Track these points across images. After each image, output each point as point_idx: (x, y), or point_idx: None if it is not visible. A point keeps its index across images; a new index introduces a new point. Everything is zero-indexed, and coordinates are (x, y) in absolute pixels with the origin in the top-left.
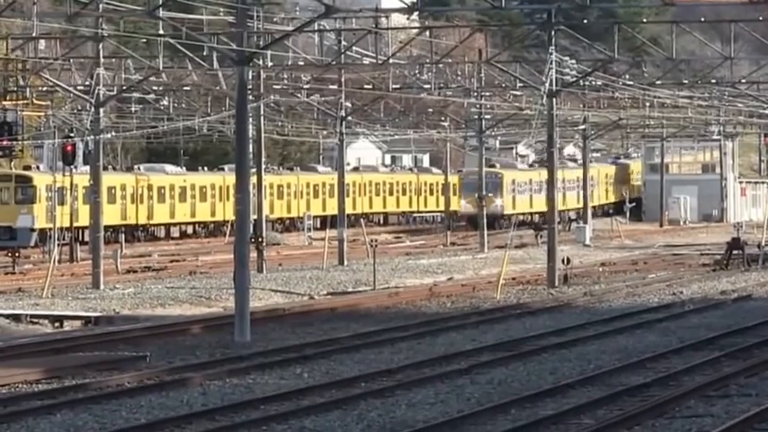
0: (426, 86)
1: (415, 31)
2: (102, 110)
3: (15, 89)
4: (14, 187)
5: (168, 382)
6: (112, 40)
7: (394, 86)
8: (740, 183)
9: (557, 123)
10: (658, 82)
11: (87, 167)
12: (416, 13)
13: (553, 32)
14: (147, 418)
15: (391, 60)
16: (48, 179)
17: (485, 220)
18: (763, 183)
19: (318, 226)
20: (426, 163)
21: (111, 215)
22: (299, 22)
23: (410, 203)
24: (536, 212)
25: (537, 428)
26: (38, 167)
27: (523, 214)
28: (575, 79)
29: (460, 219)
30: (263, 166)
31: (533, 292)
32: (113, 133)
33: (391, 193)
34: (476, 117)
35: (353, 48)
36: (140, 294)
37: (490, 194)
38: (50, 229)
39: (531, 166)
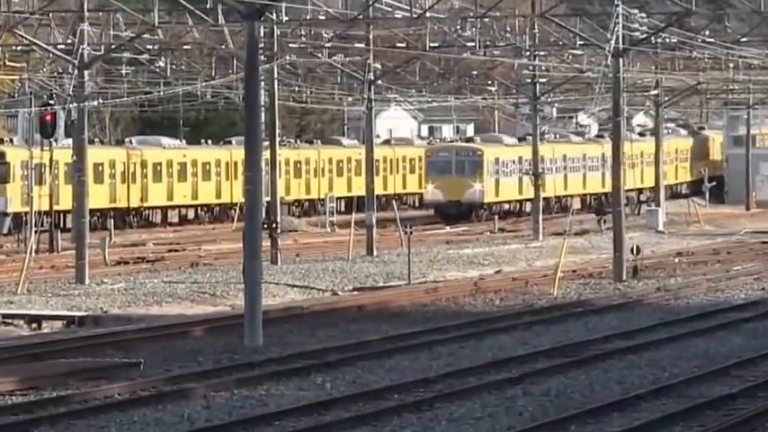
0: (470, 44)
1: None
2: (87, 73)
3: None
4: None
5: (166, 394)
6: None
7: (431, 45)
8: None
9: (624, 88)
10: (744, 39)
11: (70, 141)
12: None
13: None
14: None
15: (428, 14)
16: (23, 155)
17: (540, 202)
18: None
19: (342, 209)
20: (470, 134)
21: (97, 197)
22: None
23: None
24: (525, 199)
25: None
26: (11, 141)
27: (509, 203)
28: (645, 36)
29: (428, 208)
30: (278, 139)
31: (597, 286)
32: (100, 100)
33: None
34: (528, 81)
35: None
36: (133, 290)
37: (466, 177)
38: (26, 213)
39: (521, 140)
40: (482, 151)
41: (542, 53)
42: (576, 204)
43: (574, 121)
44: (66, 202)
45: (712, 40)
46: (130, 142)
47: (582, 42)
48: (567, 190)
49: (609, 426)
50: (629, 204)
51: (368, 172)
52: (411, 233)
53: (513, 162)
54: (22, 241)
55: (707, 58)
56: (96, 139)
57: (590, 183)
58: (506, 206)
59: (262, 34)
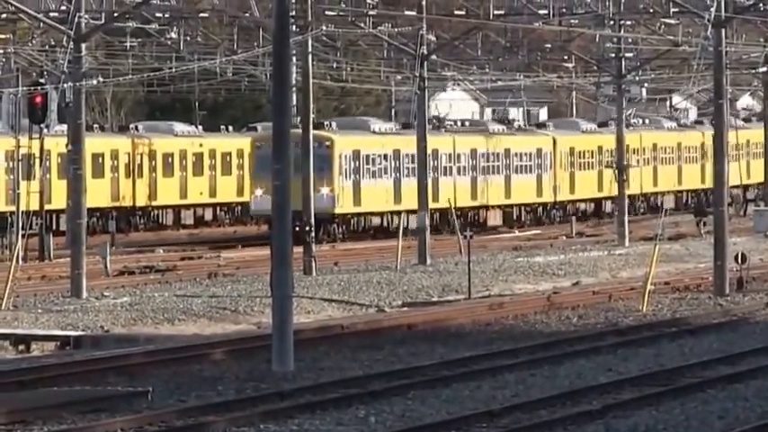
0: (542, 12)
1: None
2: (84, 46)
3: None
4: None
5: (179, 429)
6: None
7: (496, 13)
8: None
9: (727, 64)
10: None
11: (64, 127)
12: None
13: None
14: None
15: None
16: (7, 144)
17: (625, 201)
18: None
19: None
20: (543, 118)
21: (97, 194)
22: None
23: None
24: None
25: None
26: None
27: (382, 215)
28: (752, 2)
29: (255, 221)
30: (312, 125)
31: (694, 302)
32: (100, 79)
33: None
34: (612, 56)
35: None
36: (139, 305)
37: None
38: (11, 213)
39: (404, 127)
40: (332, 141)
41: (629, 23)
42: (669, 203)
43: (667, 104)
44: (59, 200)
45: None
46: (136, 129)
47: (676, 10)
48: (656, 186)
49: None
50: (734, 204)
51: (419, 165)
52: (471, 237)
53: (382, 157)
54: (7, 247)
55: None
56: (96, 125)
57: (686, 177)
58: (374, 219)
59: (293, 0)
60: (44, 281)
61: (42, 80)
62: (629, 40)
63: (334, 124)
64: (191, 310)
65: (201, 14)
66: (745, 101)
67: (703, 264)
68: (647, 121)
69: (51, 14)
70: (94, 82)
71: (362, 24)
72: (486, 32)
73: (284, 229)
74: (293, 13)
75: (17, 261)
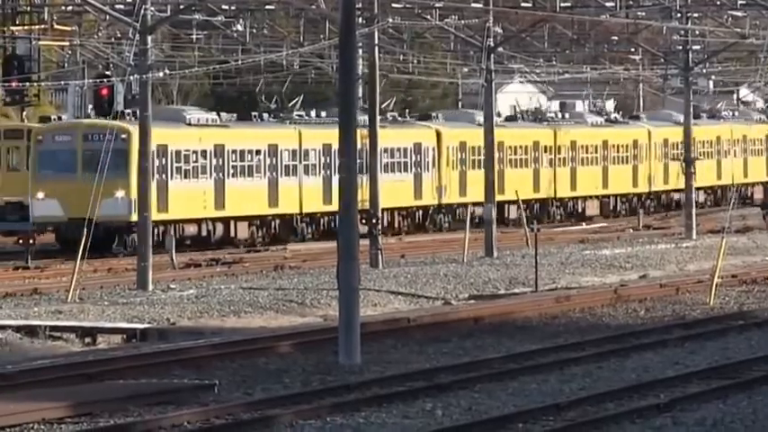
0: (609, 5)
1: None
2: (150, 38)
3: (28, 9)
4: (29, 147)
5: (245, 422)
6: None
7: (563, 5)
8: None
9: None
10: None
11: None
12: None
13: None
14: None
15: None
16: None
17: (693, 194)
18: None
19: None
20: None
21: None
22: None
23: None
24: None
25: None
26: (59, 119)
27: (199, 222)
28: None
29: (39, 229)
30: (378, 117)
31: (762, 295)
32: (167, 71)
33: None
34: (679, 48)
35: None
36: (205, 298)
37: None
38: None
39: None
40: (129, 133)
41: (696, 15)
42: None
43: (734, 96)
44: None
45: None
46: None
47: (744, 2)
48: (721, 179)
49: None
50: None
51: (487, 158)
52: (538, 230)
53: (249, 154)
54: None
55: None
56: None
57: (753, 170)
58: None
59: None
60: (110, 273)
61: (108, 72)
62: (697, 33)
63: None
64: (257, 303)
65: (268, 6)
66: None
67: None
68: (735, 113)
69: (117, 6)
70: (160, 74)
71: (429, 16)
72: (553, 25)
73: (351, 222)
74: (360, 5)
75: (83, 254)
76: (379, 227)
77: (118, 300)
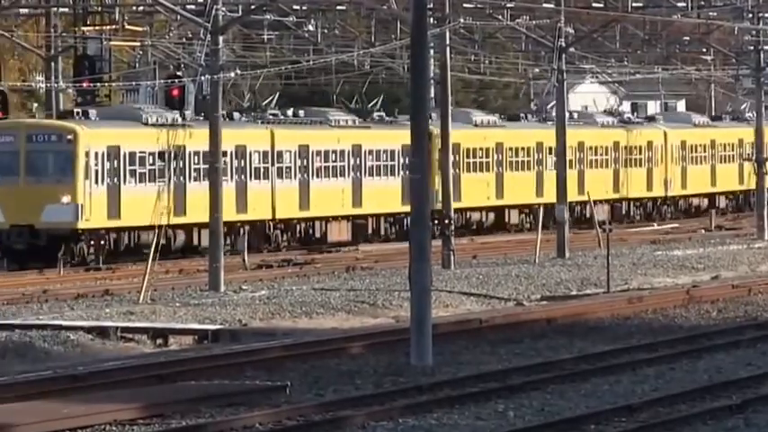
0: (680, 5)
1: None
2: (221, 38)
3: (99, 10)
4: None
5: (317, 424)
6: None
7: (634, 5)
8: None
9: None
10: None
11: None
12: None
13: None
14: None
15: None
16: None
17: (765, 194)
18: None
19: None
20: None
21: None
22: None
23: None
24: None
25: None
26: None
27: (143, 230)
28: None
29: None
30: (450, 117)
31: None
32: (238, 71)
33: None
34: (751, 48)
35: None
36: (277, 299)
37: (46, 183)
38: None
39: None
40: (75, 134)
41: None
42: None
43: None
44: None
45: None
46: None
47: None
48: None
49: None
50: None
51: (559, 160)
52: (610, 231)
53: (143, 155)
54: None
55: None
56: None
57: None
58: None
59: None
60: (182, 274)
61: (179, 73)
62: None
63: (93, 112)
64: (329, 304)
65: (339, 7)
66: None
67: None
68: None
69: (188, 7)
70: (232, 75)
71: (500, 17)
72: (625, 25)
73: (423, 223)
74: (431, 5)
75: (155, 255)
76: (452, 227)
77: (189, 301)
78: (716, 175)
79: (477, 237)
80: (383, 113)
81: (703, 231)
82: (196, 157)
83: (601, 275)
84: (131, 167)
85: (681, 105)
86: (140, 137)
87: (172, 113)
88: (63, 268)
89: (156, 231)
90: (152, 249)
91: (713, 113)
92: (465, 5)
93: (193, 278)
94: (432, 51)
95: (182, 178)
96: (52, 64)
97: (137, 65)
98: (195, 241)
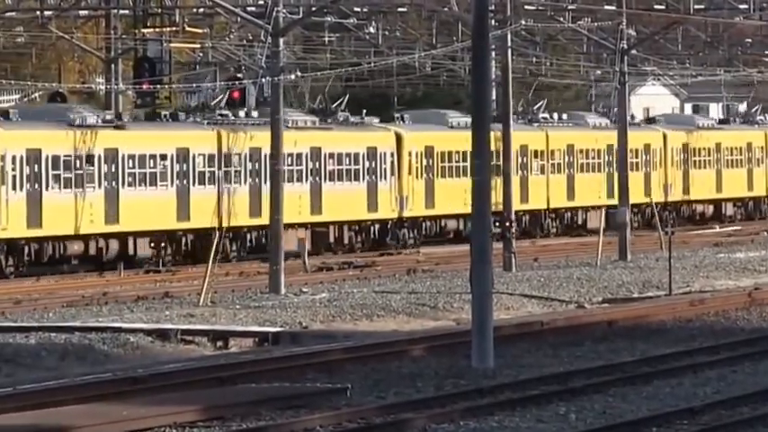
0: (742, 7)
1: None
2: (282, 40)
3: (159, 11)
4: None
5: (378, 426)
6: None
7: (696, 7)
8: None
9: None
10: None
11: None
12: None
13: None
14: None
15: None
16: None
17: None
18: None
19: None
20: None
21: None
22: None
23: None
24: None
25: None
26: None
27: (68, 239)
28: None
29: None
30: (512, 119)
31: None
32: (298, 73)
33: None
34: None
35: None
36: (337, 302)
37: None
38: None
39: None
40: None
41: None
42: None
43: None
44: None
45: None
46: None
47: None
48: None
49: None
50: None
51: (620, 162)
52: (673, 233)
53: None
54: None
55: None
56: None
57: None
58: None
59: None
60: (242, 277)
61: (240, 75)
62: None
63: (15, 112)
64: (389, 306)
65: (400, 9)
66: None
67: None
68: None
69: (249, 9)
70: (292, 77)
71: (562, 19)
72: (687, 27)
73: (484, 225)
74: (492, 7)
75: (215, 257)
76: (514, 230)
77: (250, 303)
78: (722, 181)
79: (538, 240)
80: (348, 113)
81: (765, 234)
82: (131, 161)
83: (662, 278)
84: (55, 172)
85: (742, 108)
86: (64, 140)
87: (104, 113)
88: (123, 270)
89: (217, 233)
90: (212, 251)
91: None
92: (526, 7)
93: (254, 280)
94: (493, 53)
95: (114, 183)
96: (112, 66)
97: (197, 66)
98: (130, 251)
